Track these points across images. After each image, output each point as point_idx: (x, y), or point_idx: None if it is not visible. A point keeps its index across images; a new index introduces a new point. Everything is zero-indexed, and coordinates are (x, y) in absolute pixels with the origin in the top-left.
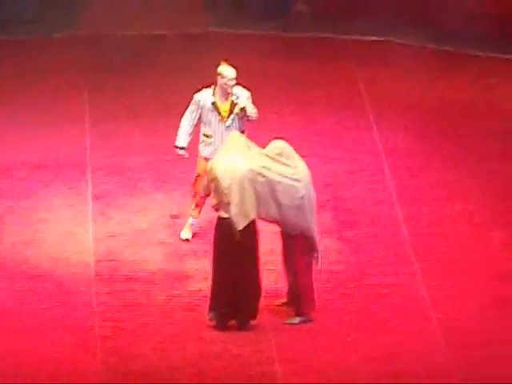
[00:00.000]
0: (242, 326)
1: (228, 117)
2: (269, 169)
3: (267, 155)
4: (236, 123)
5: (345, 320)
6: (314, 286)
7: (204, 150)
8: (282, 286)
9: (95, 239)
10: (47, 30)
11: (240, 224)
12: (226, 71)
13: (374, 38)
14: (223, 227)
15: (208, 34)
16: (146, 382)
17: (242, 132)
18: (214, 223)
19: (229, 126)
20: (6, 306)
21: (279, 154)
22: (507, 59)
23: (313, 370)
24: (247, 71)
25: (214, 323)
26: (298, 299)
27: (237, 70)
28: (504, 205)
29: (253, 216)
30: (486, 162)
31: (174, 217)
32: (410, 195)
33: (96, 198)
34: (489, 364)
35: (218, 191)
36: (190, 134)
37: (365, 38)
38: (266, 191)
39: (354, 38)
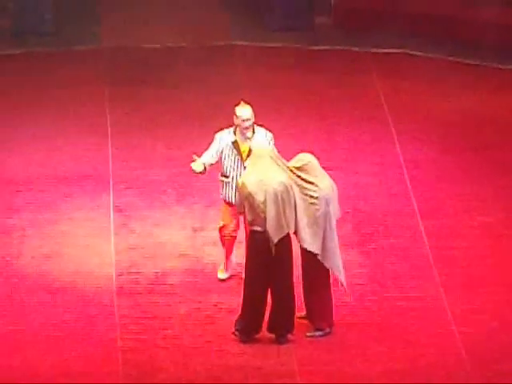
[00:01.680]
0: (281, 340)
1: (248, 157)
2: (293, 183)
3: (291, 168)
4: None
5: (366, 333)
6: (332, 301)
7: (222, 192)
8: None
9: (117, 252)
10: (67, 43)
11: (275, 237)
12: (240, 111)
13: (395, 51)
14: (257, 241)
15: (230, 46)
16: None
17: None
18: (247, 237)
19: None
20: (28, 320)
21: (303, 168)
22: None
23: (334, 383)
24: (269, 84)
25: (237, 336)
26: (315, 315)
27: (259, 83)
28: None
29: (288, 229)
30: (507, 175)
31: (196, 229)
32: (432, 208)
33: (117, 210)
34: None
35: (252, 207)
36: (210, 164)
37: (385, 50)
38: (291, 205)
39: (374, 50)
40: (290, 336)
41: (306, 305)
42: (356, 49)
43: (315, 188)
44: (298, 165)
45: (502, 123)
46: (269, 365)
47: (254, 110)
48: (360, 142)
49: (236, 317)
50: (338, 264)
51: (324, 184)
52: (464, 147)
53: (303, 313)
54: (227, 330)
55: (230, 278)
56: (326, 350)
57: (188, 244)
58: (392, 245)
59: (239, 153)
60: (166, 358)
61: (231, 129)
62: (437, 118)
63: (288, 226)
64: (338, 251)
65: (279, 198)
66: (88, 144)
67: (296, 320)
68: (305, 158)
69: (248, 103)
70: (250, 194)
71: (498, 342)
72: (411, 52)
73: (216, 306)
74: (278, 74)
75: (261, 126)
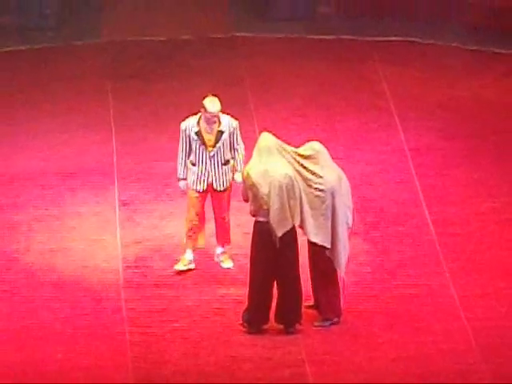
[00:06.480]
0: (289, 330)
1: (214, 146)
2: (298, 175)
3: (298, 155)
4: (222, 152)
5: (374, 321)
6: (340, 292)
7: (189, 178)
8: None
9: (123, 245)
10: (69, 38)
11: (280, 231)
12: (209, 105)
13: (397, 38)
14: (262, 231)
15: (232, 38)
16: None
17: (227, 161)
18: (252, 227)
19: (213, 156)
20: (35, 314)
21: (311, 157)
22: None
23: (343, 372)
24: (271, 74)
25: (245, 327)
26: (323, 305)
27: (261, 73)
28: None
29: (292, 222)
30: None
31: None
32: (437, 195)
33: (123, 204)
34: None
35: (256, 198)
36: (186, 164)
37: (388, 38)
38: (296, 198)
39: (377, 38)
40: (298, 326)
41: (314, 295)
42: (359, 38)
43: (321, 180)
44: (306, 153)
45: (507, 109)
46: (277, 355)
47: (252, 100)
48: (364, 130)
49: (243, 308)
50: (340, 258)
51: (331, 176)
52: (468, 133)
53: (311, 302)
54: (235, 322)
55: (236, 268)
56: (334, 339)
57: None
58: (398, 232)
59: (203, 142)
60: (175, 350)
61: (196, 117)
62: (440, 105)
63: (293, 219)
64: (342, 244)
65: (284, 190)
66: (92, 138)
67: (304, 309)
68: (313, 147)
69: (215, 95)
70: (254, 185)
71: (507, 328)
72: (414, 39)
73: (223, 297)
74: (280, 64)
75: (227, 114)
